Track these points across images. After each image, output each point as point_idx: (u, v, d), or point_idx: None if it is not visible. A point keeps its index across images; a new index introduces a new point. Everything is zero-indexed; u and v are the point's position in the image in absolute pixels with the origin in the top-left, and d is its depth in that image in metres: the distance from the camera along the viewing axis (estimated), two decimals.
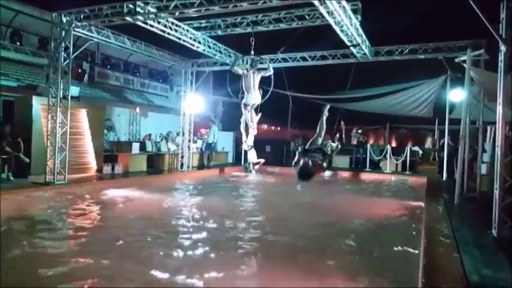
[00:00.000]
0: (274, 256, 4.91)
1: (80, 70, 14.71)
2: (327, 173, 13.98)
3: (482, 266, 4.17)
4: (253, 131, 9.47)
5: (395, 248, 5.33)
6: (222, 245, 5.22)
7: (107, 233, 5.81)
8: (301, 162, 7.07)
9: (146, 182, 10.89)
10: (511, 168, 5.72)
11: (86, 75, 15.16)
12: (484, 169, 10.23)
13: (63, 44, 9.25)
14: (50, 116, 9.23)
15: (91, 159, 11.39)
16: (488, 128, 12.75)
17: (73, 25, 9.17)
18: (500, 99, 5.61)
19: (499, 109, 5.62)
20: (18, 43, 13.33)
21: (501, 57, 5.66)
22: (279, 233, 5.89)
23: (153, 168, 13.25)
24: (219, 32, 10.80)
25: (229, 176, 14.02)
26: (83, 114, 11.40)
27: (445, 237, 5.19)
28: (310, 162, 6.99)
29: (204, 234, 5.69)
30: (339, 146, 6.60)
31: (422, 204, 8.28)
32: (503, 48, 5.58)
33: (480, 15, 5.41)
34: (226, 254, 4.88)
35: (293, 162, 7.81)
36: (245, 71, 9.02)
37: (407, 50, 10.87)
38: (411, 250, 5.02)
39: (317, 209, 8.26)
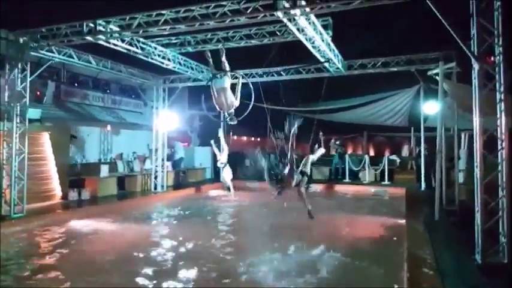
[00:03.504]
0: None
1: (38, 92, 13.68)
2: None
3: None
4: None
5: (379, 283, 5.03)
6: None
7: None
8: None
9: (115, 209, 10.12)
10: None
11: (45, 97, 14.15)
12: (461, 178, 10.17)
13: (19, 65, 8.66)
14: (4, 143, 8.56)
15: (55, 185, 10.65)
16: (462, 134, 12.77)
17: (30, 45, 8.60)
18: (476, 117, 5.44)
19: (476, 125, 5.44)
20: None
21: (474, 75, 5.51)
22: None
23: (124, 190, 12.57)
24: (190, 49, 10.40)
25: (206, 195, 13.48)
26: (45, 138, 10.71)
27: (429, 268, 4.92)
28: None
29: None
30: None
31: (402, 222, 8.05)
32: (476, 66, 5.42)
33: (453, 33, 5.24)
34: None
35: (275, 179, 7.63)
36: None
37: (379, 63, 10.77)
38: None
39: (294, 230, 7.91)
